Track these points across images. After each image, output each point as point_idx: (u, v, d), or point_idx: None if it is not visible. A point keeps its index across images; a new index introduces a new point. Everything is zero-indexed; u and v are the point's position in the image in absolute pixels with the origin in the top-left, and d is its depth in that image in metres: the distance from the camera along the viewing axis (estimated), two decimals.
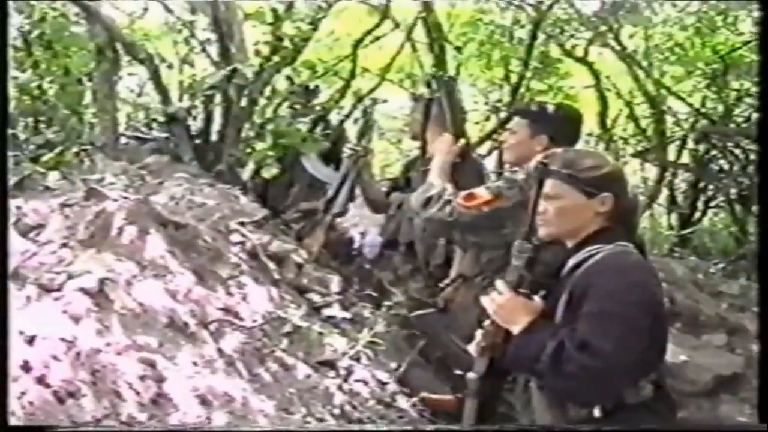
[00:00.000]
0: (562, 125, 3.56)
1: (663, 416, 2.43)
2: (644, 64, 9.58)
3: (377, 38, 9.98)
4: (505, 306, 2.50)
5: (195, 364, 2.81)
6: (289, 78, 6.02)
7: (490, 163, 3.99)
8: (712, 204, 10.29)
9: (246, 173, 5.91)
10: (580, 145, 3.65)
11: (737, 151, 9.61)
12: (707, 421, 4.49)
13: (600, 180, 2.46)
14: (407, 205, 4.05)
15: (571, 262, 2.45)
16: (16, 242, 3.11)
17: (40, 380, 2.32)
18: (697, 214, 10.12)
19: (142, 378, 2.59)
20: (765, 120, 3.03)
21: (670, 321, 5.38)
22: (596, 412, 2.35)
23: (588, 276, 2.38)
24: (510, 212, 3.21)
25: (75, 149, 5.50)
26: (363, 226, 5.88)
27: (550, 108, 3.69)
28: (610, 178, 2.49)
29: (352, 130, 5.55)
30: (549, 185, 2.50)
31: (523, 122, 3.58)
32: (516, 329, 2.48)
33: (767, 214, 2.92)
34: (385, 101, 5.54)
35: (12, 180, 4.01)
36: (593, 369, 2.23)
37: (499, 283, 2.56)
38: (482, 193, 3.33)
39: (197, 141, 6.22)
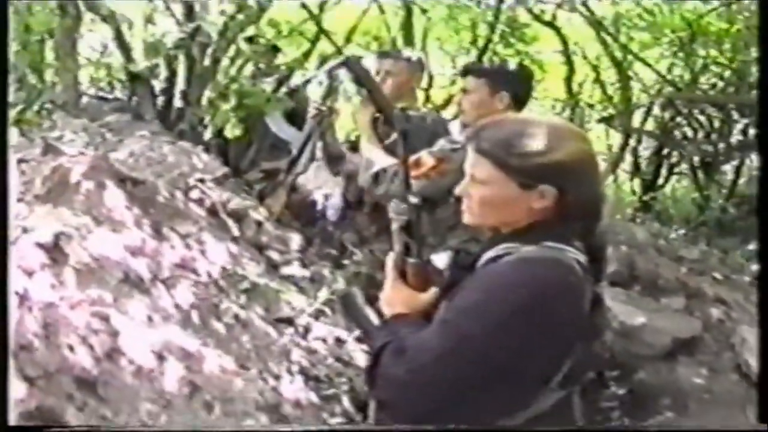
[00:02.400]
0: (521, 82, 3.55)
1: None
2: (612, 30, 9.60)
3: None
4: (387, 296, 2.03)
5: (150, 318, 2.81)
6: (252, 38, 5.98)
7: (455, 128, 3.95)
8: (676, 171, 10.37)
9: (208, 133, 5.87)
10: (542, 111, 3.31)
11: (702, 118, 9.69)
12: (667, 384, 4.55)
13: (540, 170, 1.84)
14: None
15: (487, 255, 1.91)
16: None
17: None
18: (660, 181, 10.20)
19: (96, 332, 2.58)
20: (765, 128, 2.86)
21: (628, 285, 5.45)
22: None
23: (475, 274, 1.89)
24: (460, 175, 3.15)
25: (35, 108, 5.43)
26: (327, 189, 5.87)
27: (509, 65, 3.68)
28: (557, 168, 1.84)
29: (316, 92, 5.52)
30: (477, 164, 1.92)
31: (480, 81, 3.52)
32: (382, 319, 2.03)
33: (766, 222, 2.77)
34: (360, 58, 5.40)
35: None
36: (397, 381, 1.76)
37: (388, 263, 2.08)
38: (426, 159, 3.24)
39: (160, 100, 6.17)
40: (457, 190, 1.98)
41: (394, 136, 3.86)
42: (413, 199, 2.06)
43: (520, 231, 1.88)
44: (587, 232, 1.91)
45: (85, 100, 6.86)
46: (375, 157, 3.49)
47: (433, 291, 2.00)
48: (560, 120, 1.97)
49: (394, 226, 2.10)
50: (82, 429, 2.22)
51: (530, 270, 1.78)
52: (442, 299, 1.94)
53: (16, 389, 2.25)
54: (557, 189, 1.83)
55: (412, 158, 3.19)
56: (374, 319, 2.30)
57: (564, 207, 1.85)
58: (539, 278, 1.77)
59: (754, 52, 8.00)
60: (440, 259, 1.99)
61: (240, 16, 5.89)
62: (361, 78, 3.80)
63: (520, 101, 3.46)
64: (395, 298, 2.01)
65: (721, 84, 9.59)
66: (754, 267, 6.25)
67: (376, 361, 1.81)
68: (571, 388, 1.90)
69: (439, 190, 3.14)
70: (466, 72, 3.69)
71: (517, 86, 3.48)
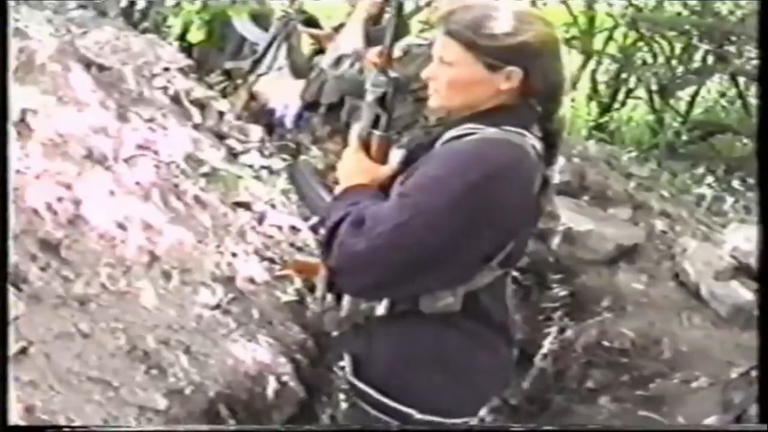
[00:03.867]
0: None
1: (476, 340, 2.00)
2: None
3: None
4: (345, 162, 2.09)
5: (112, 192, 2.93)
6: None
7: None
8: (633, 96, 10.43)
9: (172, 36, 5.88)
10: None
11: (663, 43, 9.74)
12: (608, 287, 4.71)
13: (508, 51, 1.88)
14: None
15: (449, 134, 1.96)
16: None
17: None
18: (617, 105, 10.27)
19: (60, 199, 2.70)
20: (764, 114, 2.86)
21: (578, 195, 5.59)
22: (379, 310, 1.97)
23: (435, 150, 1.96)
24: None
25: None
26: (286, 98, 5.90)
27: None
28: (523, 49, 1.88)
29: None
30: (446, 46, 1.94)
31: None
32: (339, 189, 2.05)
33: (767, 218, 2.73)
34: None
35: None
36: (354, 250, 1.81)
37: (353, 131, 2.14)
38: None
39: None
40: (424, 74, 2.01)
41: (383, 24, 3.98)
42: (393, 73, 2.10)
43: (484, 113, 1.93)
44: (547, 117, 1.98)
45: None
46: (345, 43, 3.55)
47: (394, 163, 2.04)
48: (526, 5, 2.07)
49: (369, 97, 2.11)
50: (83, 429, 2.18)
51: (488, 150, 1.85)
52: (400, 174, 1.98)
53: None
54: (523, 70, 1.88)
55: (375, 49, 3.28)
56: (323, 193, 2.39)
57: (528, 89, 1.92)
58: (495, 159, 1.83)
59: None
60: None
61: None
62: None
63: None
64: (355, 167, 2.05)
65: (685, 12, 9.65)
66: (700, 190, 6.48)
67: (334, 232, 1.85)
68: (508, 268, 2.01)
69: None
70: None
71: None
